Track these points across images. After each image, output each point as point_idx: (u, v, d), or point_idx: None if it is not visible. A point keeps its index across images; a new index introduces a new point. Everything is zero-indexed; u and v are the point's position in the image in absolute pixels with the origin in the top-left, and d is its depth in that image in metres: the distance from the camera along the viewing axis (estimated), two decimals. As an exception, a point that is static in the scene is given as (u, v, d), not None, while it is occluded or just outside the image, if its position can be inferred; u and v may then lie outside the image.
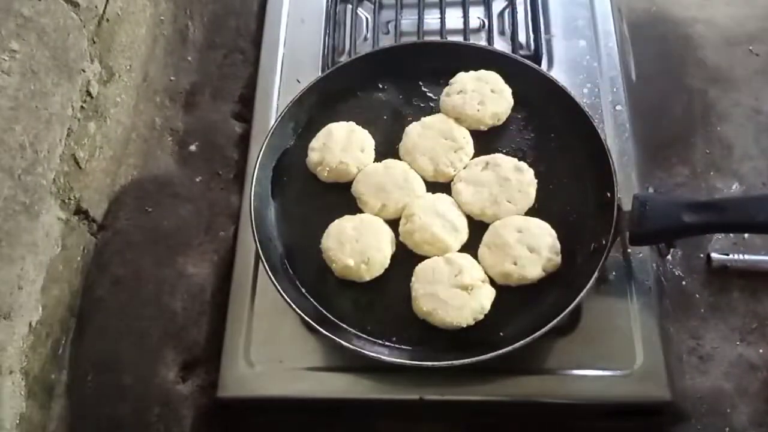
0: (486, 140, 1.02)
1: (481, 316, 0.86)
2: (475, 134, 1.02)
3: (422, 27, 1.19)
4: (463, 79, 1.04)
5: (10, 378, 0.90)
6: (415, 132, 1.01)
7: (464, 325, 0.86)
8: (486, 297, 0.87)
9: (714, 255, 1.02)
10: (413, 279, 0.90)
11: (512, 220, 0.92)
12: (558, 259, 0.89)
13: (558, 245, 0.90)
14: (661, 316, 0.92)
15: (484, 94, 1.02)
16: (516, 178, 0.94)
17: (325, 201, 1.00)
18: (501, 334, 0.87)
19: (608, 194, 0.90)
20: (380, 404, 0.92)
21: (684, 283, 1.04)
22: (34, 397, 0.95)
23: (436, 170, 0.98)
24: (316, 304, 0.91)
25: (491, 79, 1.03)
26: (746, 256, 1.01)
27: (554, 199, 0.96)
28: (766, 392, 0.95)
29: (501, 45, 1.17)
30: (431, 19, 1.21)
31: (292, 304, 0.86)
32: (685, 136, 1.16)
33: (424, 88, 1.09)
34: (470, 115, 1.01)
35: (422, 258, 0.92)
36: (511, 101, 1.02)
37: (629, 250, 0.95)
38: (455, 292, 0.86)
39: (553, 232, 0.90)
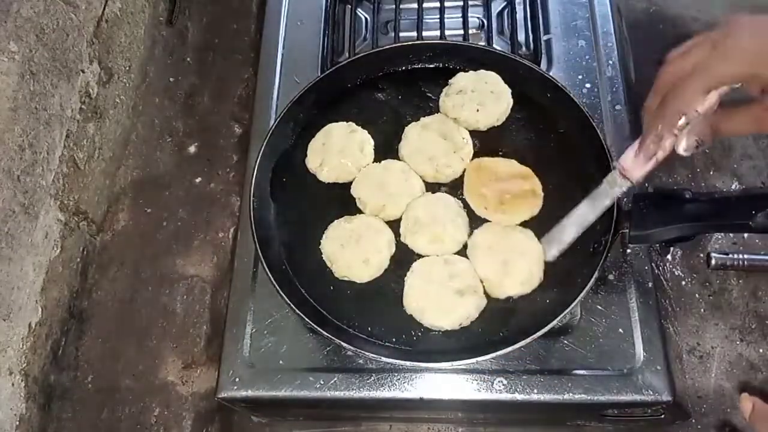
0: (486, 140, 1.02)
1: (468, 323, 0.86)
2: (475, 134, 1.02)
3: (421, 27, 1.19)
4: (463, 79, 1.04)
5: (10, 379, 0.90)
6: (415, 132, 1.01)
7: (448, 329, 0.86)
8: (475, 306, 0.86)
9: (714, 255, 1.02)
10: (408, 273, 0.90)
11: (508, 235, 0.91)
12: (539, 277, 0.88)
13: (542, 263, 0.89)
14: (661, 316, 0.92)
15: (483, 95, 1.02)
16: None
17: (325, 201, 1.00)
18: (501, 334, 0.87)
19: (608, 194, 0.90)
20: (380, 404, 0.92)
21: (684, 283, 1.04)
22: (33, 398, 0.95)
23: (435, 171, 0.98)
24: (315, 304, 0.91)
25: (490, 79, 1.03)
26: (746, 256, 1.01)
27: (554, 200, 0.95)
28: (767, 392, 0.96)
29: (500, 45, 1.17)
30: (430, 19, 1.21)
31: (291, 304, 0.86)
32: (684, 136, 1.16)
33: (423, 89, 1.08)
34: (469, 116, 1.01)
35: (422, 259, 0.92)
36: (510, 101, 1.02)
37: (629, 250, 0.95)
38: (447, 295, 0.86)
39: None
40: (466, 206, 0.95)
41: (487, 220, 0.93)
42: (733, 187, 1.11)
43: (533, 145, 1.01)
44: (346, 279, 0.92)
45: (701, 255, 1.04)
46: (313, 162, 1.01)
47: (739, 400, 0.72)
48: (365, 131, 1.03)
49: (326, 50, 1.19)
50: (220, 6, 1.38)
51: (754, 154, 1.13)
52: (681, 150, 0.72)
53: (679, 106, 0.66)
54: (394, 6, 1.21)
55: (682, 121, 0.67)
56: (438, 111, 1.04)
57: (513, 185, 0.94)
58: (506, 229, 0.91)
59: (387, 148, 1.03)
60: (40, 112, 0.96)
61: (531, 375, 0.88)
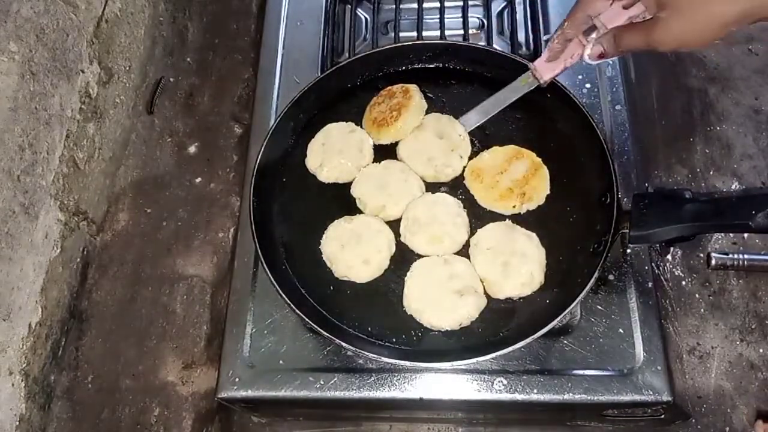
0: (485, 139, 1.02)
1: (468, 323, 0.86)
2: (475, 134, 1.01)
3: (421, 27, 1.19)
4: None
5: (10, 379, 0.90)
6: (412, 132, 1.01)
7: (448, 329, 0.86)
8: (475, 306, 0.86)
9: (714, 255, 1.02)
10: (408, 274, 0.90)
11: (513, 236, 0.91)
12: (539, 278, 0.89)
13: (543, 262, 0.89)
14: (661, 316, 0.92)
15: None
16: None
17: (325, 201, 1.00)
18: (501, 334, 0.87)
19: (608, 194, 0.90)
20: (380, 404, 0.92)
21: (684, 283, 1.04)
22: (33, 398, 0.95)
23: (435, 171, 0.98)
24: (315, 304, 0.91)
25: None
26: (746, 256, 1.01)
27: (554, 199, 0.95)
28: (766, 392, 0.96)
29: (500, 45, 1.17)
30: (430, 19, 1.21)
31: (291, 305, 0.86)
32: (684, 136, 1.16)
33: (423, 89, 1.08)
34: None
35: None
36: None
37: (629, 250, 0.95)
38: (447, 295, 0.86)
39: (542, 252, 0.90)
40: (467, 206, 0.95)
41: (494, 220, 0.93)
42: (733, 187, 1.11)
43: (533, 145, 1.01)
44: (346, 279, 0.92)
45: (701, 255, 1.04)
46: (313, 162, 1.01)
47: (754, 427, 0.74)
48: (365, 131, 1.03)
49: (326, 50, 1.19)
50: (220, 6, 1.38)
51: (754, 154, 1.13)
52: (586, 56, 0.82)
53: (587, 10, 0.80)
54: (394, 6, 1.21)
55: (588, 25, 0.80)
56: (437, 111, 1.04)
57: (515, 170, 0.95)
58: (508, 230, 0.91)
59: (386, 148, 1.03)
60: (40, 112, 0.96)
61: (531, 375, 0.88)
